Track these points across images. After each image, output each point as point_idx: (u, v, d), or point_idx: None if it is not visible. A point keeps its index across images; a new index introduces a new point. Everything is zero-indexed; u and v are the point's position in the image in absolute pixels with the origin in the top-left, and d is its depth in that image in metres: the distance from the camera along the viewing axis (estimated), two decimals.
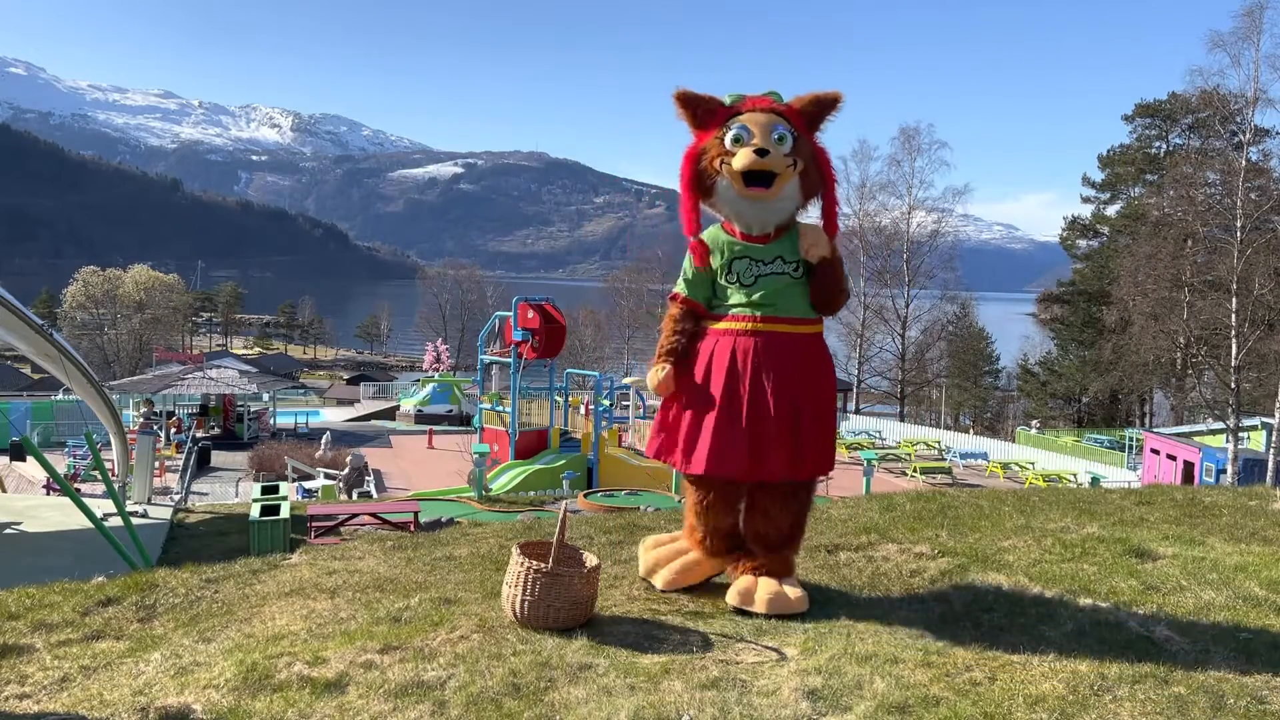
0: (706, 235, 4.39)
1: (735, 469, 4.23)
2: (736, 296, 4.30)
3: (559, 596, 3.99)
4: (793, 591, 4.33)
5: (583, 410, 32.71)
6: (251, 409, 36.09)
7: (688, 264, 4.44)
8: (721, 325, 4.34)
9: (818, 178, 4.31)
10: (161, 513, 17.24)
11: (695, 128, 4.35)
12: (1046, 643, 3.75)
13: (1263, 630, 3.90)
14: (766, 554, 4.44)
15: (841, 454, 35.99)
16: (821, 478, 4.58)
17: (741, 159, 4.10)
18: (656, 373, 4.34)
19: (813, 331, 4.36)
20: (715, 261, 4.34)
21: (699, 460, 4.26)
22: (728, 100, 4.34)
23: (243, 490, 24.95)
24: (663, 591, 4.47)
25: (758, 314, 4.25)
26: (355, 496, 21.93)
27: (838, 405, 4.96)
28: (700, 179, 4.28)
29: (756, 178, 4.12)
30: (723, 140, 4.21)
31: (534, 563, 4.03)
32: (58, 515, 15.45)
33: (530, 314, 25.62)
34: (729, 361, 4.24)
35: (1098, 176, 54.86)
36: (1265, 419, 30.04)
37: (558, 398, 28.77)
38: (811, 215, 4.46)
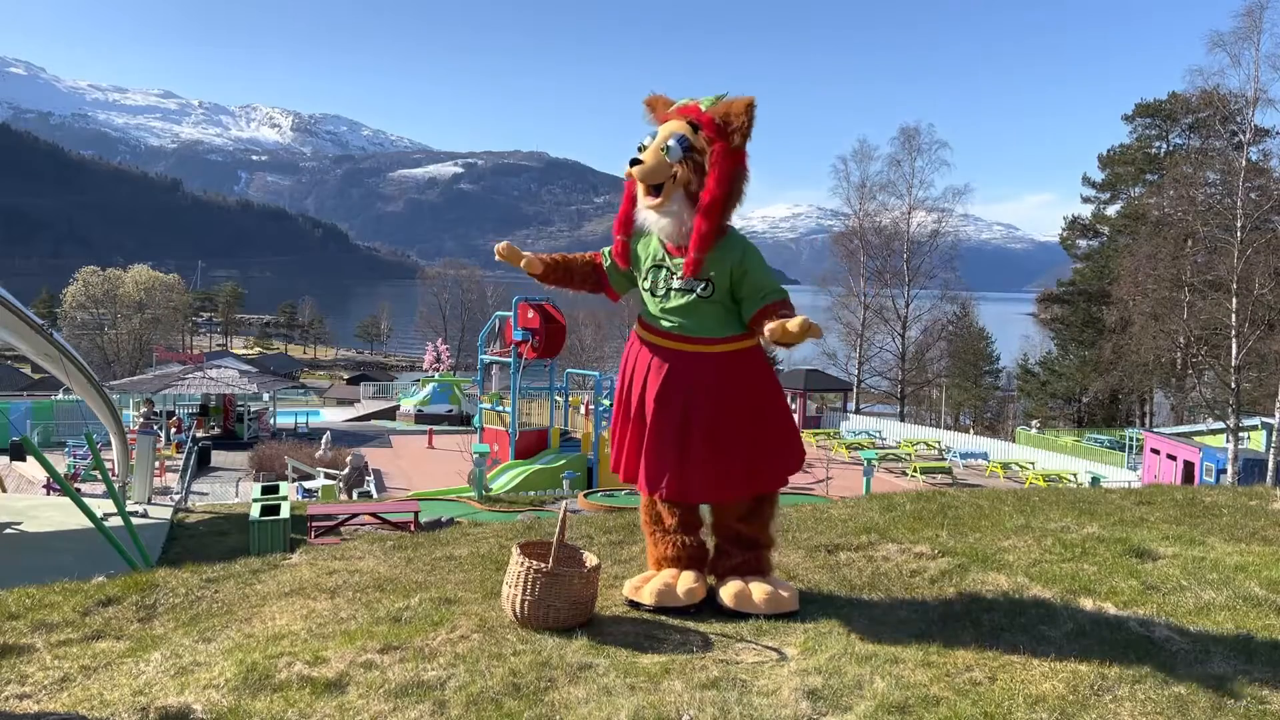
0: (640, 240, 4.35)
1: (641, 483, 4.31)
2: (651, 307, 4.29)
3: (559, 596, 3.99)
4: (785, 589, 4.32)
5: (583, 410, 32.72)
6: (251, 409, 36.10)
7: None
8: (641, 333, 4.37)
9: (696, 189, 4.09)
10: (161, 513, 17.25)
11: None
12: (1046, 643, 3.75)
13: (1263, 630, 3.90)
14: (744, 553, 4.40)
15: (841, 454, 36.02)
16: (806, 486, 4.56)
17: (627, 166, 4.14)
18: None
19: (727, 350, 4.19)
20: (643, 265, 4.32)
21: (617, 465, 4.43)
22: (704, 104, 4.24)
23: (243, 490, 24.95)
24: (654, 609, 4.30)
25: (663, 327, 4.23)
26: (355, 496, 21.94)
27: (804, 417, 4.80)
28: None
29: (650, 186, 4.10)
30: None
31: (534, 562, 4.03)
32: (58, 515, 15.46)
33: (530, 314, 25.63)
34: (644, 374, 4.27)
35: (1098, 176, 54.88)
36: (1265, 419, 30.04)
37: (558, 398, 28.78)
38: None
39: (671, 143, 4.05)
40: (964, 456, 35.86)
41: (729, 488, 4.24)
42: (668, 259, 4.22)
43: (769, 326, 3.88)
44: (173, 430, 32.85)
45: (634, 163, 4.05)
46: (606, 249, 4.46)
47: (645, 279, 4.28)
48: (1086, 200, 55.86)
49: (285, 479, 23.20)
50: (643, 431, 4.26)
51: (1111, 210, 54.48)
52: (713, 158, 4.05)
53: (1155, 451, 30.21)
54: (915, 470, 32.12)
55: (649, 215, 4.15)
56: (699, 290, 4.14)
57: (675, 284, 4.18)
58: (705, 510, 4.56)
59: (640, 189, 4.14)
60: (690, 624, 4.12)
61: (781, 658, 3.70)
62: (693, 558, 4.45)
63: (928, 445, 39.20)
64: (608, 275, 4.46)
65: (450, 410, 43.10)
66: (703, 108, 4.15)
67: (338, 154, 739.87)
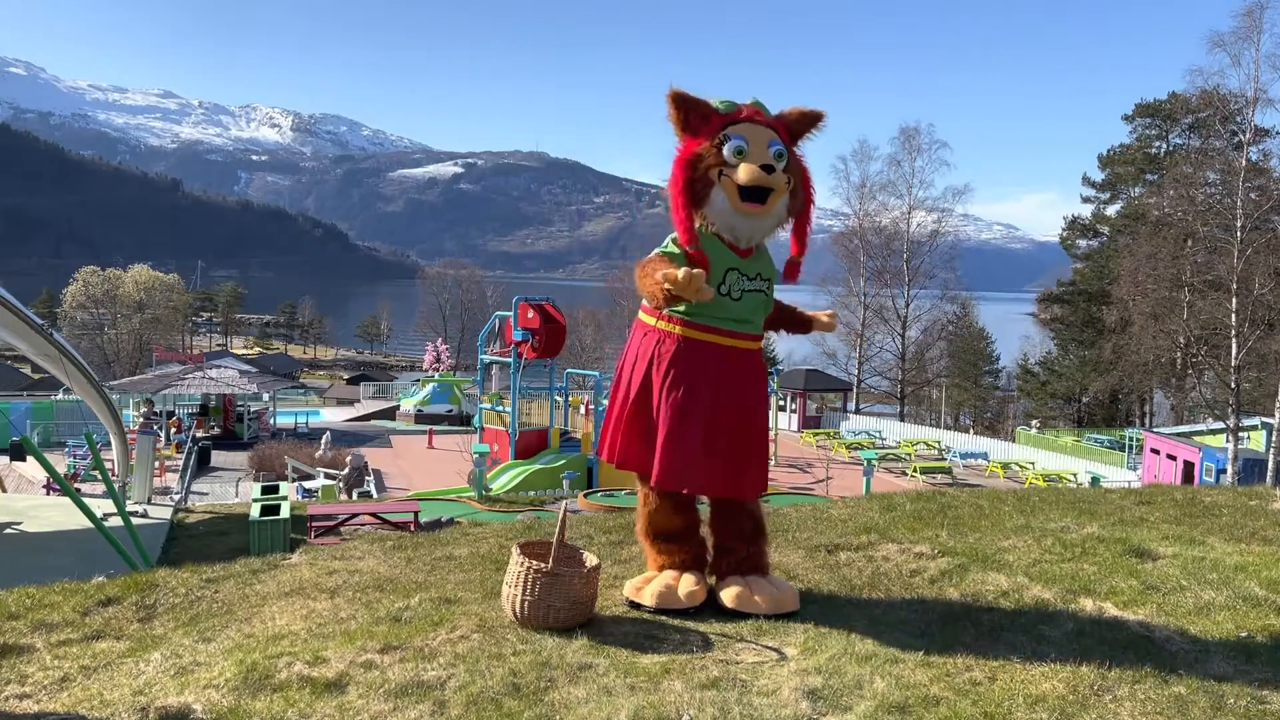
0: (706, 244, 4.22)
1: (715, 487, 4.25)
2: (722, 309, 4.24)
3: (559, 596, 3.99)
4: (785, 589, 4.35)
5: (583, 410, 32.71)
6: (251, 409, 36.12)
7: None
8: (703, 335, 4.24)
9: (800, 196, 4.32)
10: (161, 513, 17.26)
11: (684, 132, 4.22)
12: (1046, 643, 3.75)
13: (1263, 630, 3.90)
14: (748, 547, 4.43)
15: (841, 454, 36.03)
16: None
17: (746, 173, 4.03)
18: (683, 273, 3.72)
19: (759, 347, 4.48)
20: (716, 268, 4.20)
21: (678, 476, 4.17)
22: (720, 107, 4.24)
23: (243, 490, 24.96)
24: (655, 610, 4.29)
25: (738, 329, 4.25)
26: (355, 496, 21.94)
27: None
28: (693, 186, 4.15)
29: (754, 193, 4.06)
30: (719, 149, 4.11)
31: (534, 562, 4.03)
32: (58, 515, 15.46)
33: (530, 314, 25.63)
34: (713, 374, 4.21)
35: (1098, 176, 54.89)
36: (1265, 419, 30.04)
37: (558, 398, 28.79)
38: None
39: (782, 150, 4.19)
40: (964, 456, 35.85)
41: (764, 480, 4.42)
42: (736, 259, 4.25)
43: (829, 318, 4.69)
44: (173, 430, 32.85)
45: (769, 169, 4.07)
46: (669, 251, 4.22)
47: (722, 282, 4.21)
48: (1086, 200, 55.92)
49: (285, 479, 23.20)
50: (715, 433, 4.18)
51: (1111, 210, 54.49)
52: (801, 167, 4.33)
53: (1155, 451, 30.21)
54: (915, 470, 32.12)
55: (745, 219, 4.15)
56: (766, 289, 4.34)
57: (748, 285, 4.28)
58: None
59: (732, 193, 4.07)
60: (690, 624, 4.12)
61: (781, 658, 3.70)
62: (695, 559, 4.49)
63: (928, 445, 39.20)
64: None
65: (450, 410, 43.11)
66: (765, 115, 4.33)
67: (338, 154, 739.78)
